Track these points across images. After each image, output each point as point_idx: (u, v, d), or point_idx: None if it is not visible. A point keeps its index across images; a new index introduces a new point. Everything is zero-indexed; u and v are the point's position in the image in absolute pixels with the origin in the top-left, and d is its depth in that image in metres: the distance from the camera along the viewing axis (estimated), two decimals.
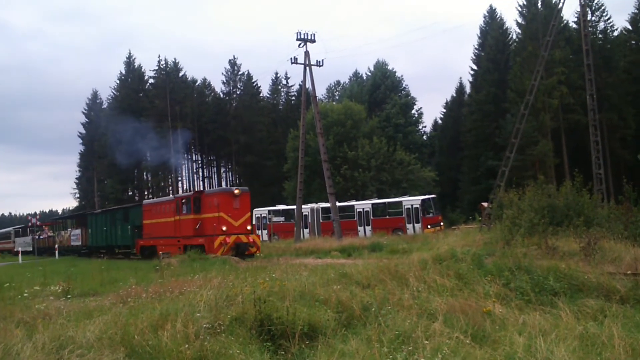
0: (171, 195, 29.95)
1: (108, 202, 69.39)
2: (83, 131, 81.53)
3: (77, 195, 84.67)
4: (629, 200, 20.13)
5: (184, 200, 27.59)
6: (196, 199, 26.72)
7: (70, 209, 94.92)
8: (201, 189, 75.35)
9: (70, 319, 8.87)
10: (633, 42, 53.93)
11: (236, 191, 25.56)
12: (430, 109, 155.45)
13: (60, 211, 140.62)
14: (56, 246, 45.55)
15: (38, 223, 52.78)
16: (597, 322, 7.86)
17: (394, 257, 16.25)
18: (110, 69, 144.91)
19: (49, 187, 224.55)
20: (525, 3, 53.75)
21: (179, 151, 70.39)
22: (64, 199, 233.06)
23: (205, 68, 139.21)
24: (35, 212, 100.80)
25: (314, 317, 8.07)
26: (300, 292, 9.46)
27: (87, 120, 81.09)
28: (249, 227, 25.84)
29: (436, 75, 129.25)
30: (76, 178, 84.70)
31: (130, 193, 75.50)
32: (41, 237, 53.93)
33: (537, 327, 7.41)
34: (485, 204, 33.85)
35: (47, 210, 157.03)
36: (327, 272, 11.76)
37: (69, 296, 12.63)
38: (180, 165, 73.78)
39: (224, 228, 24.62)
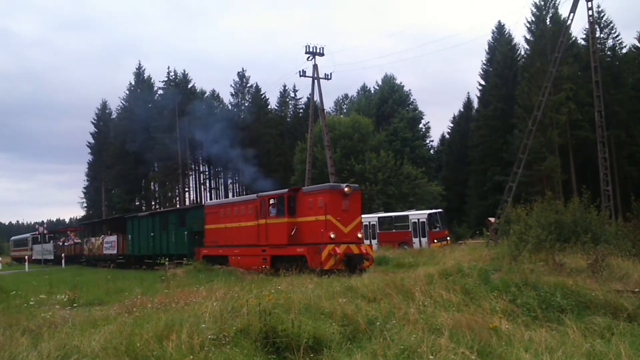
0: (254, 195, 24.06)
1: (115, 212, 69.58)
2: (92, 141, 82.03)
3: (85, 204, 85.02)
4: (637, 217, 20.04)
5: (273, 200, 22.07)
6: (291, 197, 21.28)
7: (78, 218, 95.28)
8: (209, 200, 75.63)
9: (76, 328, 8.90)
10: None
11: (346, 189, 20.10)
12: (438, 123, 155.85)
13: (67, 220, 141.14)
14: (83, 254, 41.80)
15: (45, 232, 50.56)
16: (604, 339, 7.81)
17: (400, 271, 16.21)
18: (118, 79, 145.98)
19: (55, 195, 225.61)
20: (533, 19, 53.82)
21: (186, 161, 70.71)
22: (71, 208, 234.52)
23: (213, 79, 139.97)
24: (42, 221, 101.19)
25: (319, 330, 8.05)
26: (306, 304, 9.44)
27: (95, 130, 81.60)
28: (359, 235, 20.52)
29: (444, 90, 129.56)
30: (84, 187, 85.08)
31: (137, 203, 75.75)
32: (65, 244, 49.09)
33: (543, 344, 7.37)
34: (492, 219, 33.72)
35: (54, 219, 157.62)
36: (333, 285, 11.73)
37: (74, 305, 12.66)
38: (187, 176, 74.03)
39: (332, 235, 19.35)
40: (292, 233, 20.72)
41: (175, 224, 29.97)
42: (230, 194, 79.34)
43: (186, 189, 74.88)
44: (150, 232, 32.47)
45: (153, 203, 76.12)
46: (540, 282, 10.98)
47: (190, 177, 76.95)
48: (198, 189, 79.63)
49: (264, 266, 20.93)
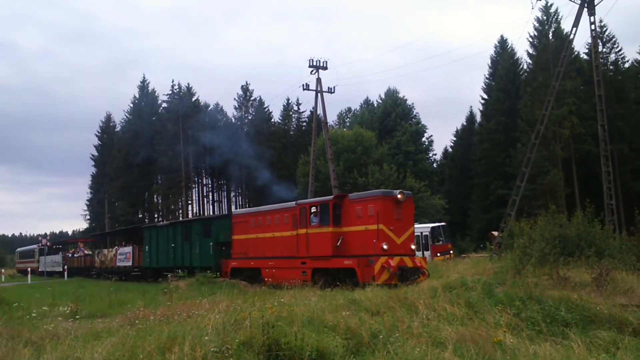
0: (292, 202, 22.34)
1: (118, 224, 69.67)
2: (95, 153, 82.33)
3: (88, 217, 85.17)
4: None
5: (315, 208, 20.31)
6: (336, 205, 19.53)
7: (81, 230, 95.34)
8: (211, 213, 75.65)
9: (78, 340, 8.87)
10: None
11: (399, 196, 18.47)
12: (441, 137, 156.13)
13: (70, 232, 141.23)
14: (95, 266, 40.07)
15: (49, 244, 48.52)
16: (609, 354, 7.77)
17: (403, 285, 16.16)
18: (122, 92, 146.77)
19: (59, 208, 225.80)
20: (536, 34, 54.07)
21: (190, 174, 70.87)
22: (74, 221, 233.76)
23: (217, 91, 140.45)
24: (45, 233, 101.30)
25: (322, 343, 8.01)
26: (309, 317, 9.41)
27: (99, 142, 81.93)
28: (413, 247, 18.98)
29: (446, 104, 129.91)
30: (87, 200, 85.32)
31: (140, 215, 75.84)
32: (75, 255, 47.06)
33: (548, 358, 7.33)
34: (495, 233, 33.63)
35: (57, 232, 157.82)
36: (336, 298, 11.71)
37: (77, 317, 12.65)
38: (190, 189, 74.12)
39: (385, 247, 17.63)
40: (338, 244, 19.01)
41: (199, 234, 28.15)
42: (233, 207, 79.35)
43: (189, 202, 74.96)
44: (170, 242, 30.65)
45: (156, 216, 76.19)
46: (545, 296, 10.94)
47: (194, 190, 77.06)
48: (201, 202, 79.75)
49: (304, 280, 19.16)
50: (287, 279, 19.25)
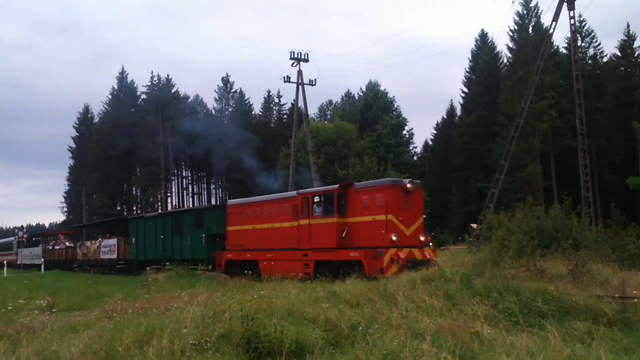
0: (293, 192, 21.94)
1: (96, 217, 68.95)
2: (73, 145, 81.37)
3: (65, 209, 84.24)
4: (617, 223, 20.34)
5: (318, 198, 19.37)
6: (341, 195, 18.62)
7: (58, 223, 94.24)
8: (191, 205, 75.16)
9: (55, 334, 8.78)
10: (622, 68, 54.60)
11: (409, 185, 17.73)
12: (421, 130, 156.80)
13: (47, 225, 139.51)
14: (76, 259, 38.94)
15: (26, 236, 46.67)
16: (584, 344, 7.87)
17: (382, 277, 16.22)
18: (100, 83, 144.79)
19: (36, 200, 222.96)
20: (516, 28, 54.39)
21: (169, 166, 70.40)
22: (51, 213, 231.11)
23: (197, 84, 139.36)
24: (22, 226, 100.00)
25: (302, 335, 8.02)
26: (289, 309, 9.40)
27: (77, 134, 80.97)
28: (422, 238, 17.96)
29: (427, 97, 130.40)
30: (65, 192, 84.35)
31: (118, 208, 75.15)
32: (56, 247, 45.57)
33: (524, 349, 7.40)
34: (474, 225, 33.91)
35: (34, 224, 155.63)
36: (316, 290, 11.71)
37: (54, 310, 12.51)
38: (170, 181, 73.60)
39: (394, 238, 16.78)
40: (343, 235, 18.09)
41: (191, 225, 26.95)
42: (213, 200, 78.97)
43: (168, 194, 74.43)
44: (159, 234, 29.44)
45: (135, 208, 75.58)
46: (522, 287, 11.06)
47: (173, 182, 76.51)
48: (180, 194, 79.22)
49: (305, 273, 18.42)
50: (287, 272, 18.43)
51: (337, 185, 19.21)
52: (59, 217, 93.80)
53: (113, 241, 35.14)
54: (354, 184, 19.15)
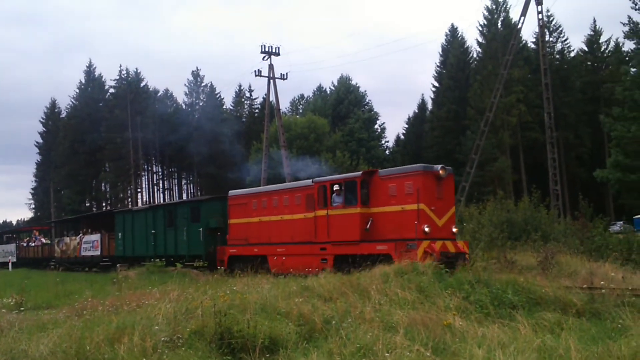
0: (307, 180, 20.04)
1: (65, 213, 67.84)
2: (40, 140, 79.90)
3: (33, 205, 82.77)
4: (585, 216, 20.76)
5: (337, 186, 17.63)
6: (364, 182, 16.98)
7: (26, 220, 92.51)
8: (162, 201, 74.41)
9: (23, 332, 8.62)
10: (589, 63, 55.70)
11: (441, 171, 16.18)
12: (393, 124, 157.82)
13: (14, 222, 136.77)
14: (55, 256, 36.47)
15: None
16: (554, 335, 8.00)
17: (355, 271, 16.27)
18: (67, 77, 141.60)
19: (2, 197, 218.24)
20: (485, 23, 55.02)
21: (139, 162, 69.58)
22: (18, 210, 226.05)
23: (165, 77, 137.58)
24: None
25: (275, 330, 8.00)
26: (262, 305, 9.36)
27: (44, 129, 79.51)
28: (454, 229, 16.58)
29: (399, 91, 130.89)
30: (32, 188, 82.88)
31: (87, 204, 74.05)
32: (31, 244, 42.90)
33: (496, 340, 7.50)
34: None
35: (1, 221, 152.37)
36: (289, 285, 11.69)
37: (22, 309, 12.25)
38: (140, 177, 72.76)
39: (427, 229, 15.36)
40: (368, 227, 16.56)
41: (187, 218, 24.92)
42: (184, 195, 78.32)
43: (139, 190, 73.57)
44: (150, 229, 27.33)
45: (104, 204, 74.57)
46: (492, 279, 11.19)
47: (143, 178, 75.69)
48: (151, 190, 78.38)
49: (323, 268, 16.31)
50: (301, 267, 17.22)
51: (360, 172, 17.76)
52: (27, 214, 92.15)
53: (96, 237, 33.00)
54: (378, 170, 17.51)
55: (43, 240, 42.67)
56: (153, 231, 26.99)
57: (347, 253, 16.68)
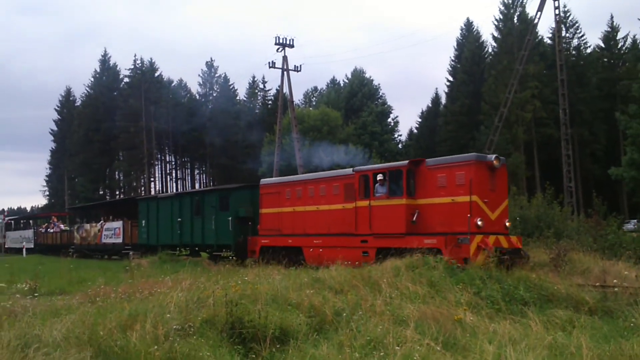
0: (348, 169, 18.83)
1: (78, 201, 68.45)
2: (55, 128, 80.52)
3: (47, 193, 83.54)
4: (598, 213, 20.59)
5: (381, 176, 16.68)
6: (411, 172, 16.15)
7: (40, 206, 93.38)
8: (174, 190, 74.80)
9: (37, 317, 8.69)
10: (605, 59, 55.09)
11: (495, 161, 15.24)
12: (406, 118, 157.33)
13: (28, 209, 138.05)
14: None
15: (6, 220, 45.91)
16: (565, 332, 7.96)
17: (366, 264, 16.27)
18: (81, 66, 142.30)
19: (16, 184, 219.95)
20: (501, 17, 54.58)
21: (152, 151, 69.92)
22: (33, 197, 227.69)
23: (179, 68, 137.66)
24: (3, 209, 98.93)
25: (286, 321, 8.03)
26: (273, 295, 9.39)
27: (59, 117, 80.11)
28: (507, 223, 15.68)
29: (412, 85, 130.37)
30: (46, 176, 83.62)
31: (101, 192, 74.62)
32: (49, 230, 42.17)
33: (507, 336, 7.48)
34: None
35: (15, 208, 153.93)
36: (300, 277, 11.72)
37: (36, 294, 12.38)
38: (153, 166, 73.14)
39: (480, 223, 14.40)
40: (414, 219, 15.69)
41: (215, 207, 24.01)
42: (197, 185, 78.65)
43: (152, 179, 74.00)
44: (176, 217, 26.46)
45: (117, 192, 75.09)
46: (504, 275, 11.15)
47: (156, 167, 76.06)
48: (164, 179, 78.82)
49: (364, 262, 15.63)
50: (340, 260, 15.38)
51: (406, 161, 16.74)
52: (41, 201, 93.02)
53: (118, 224, 32.24)
54: (425, 160, 16.58)
55: (62, 226, 42.05)
56: (179, 219, 26.18)
57: (391, 246, 15.60)
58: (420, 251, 13.82)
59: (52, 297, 12.51)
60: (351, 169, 18.33)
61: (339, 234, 17.82)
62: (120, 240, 31.45)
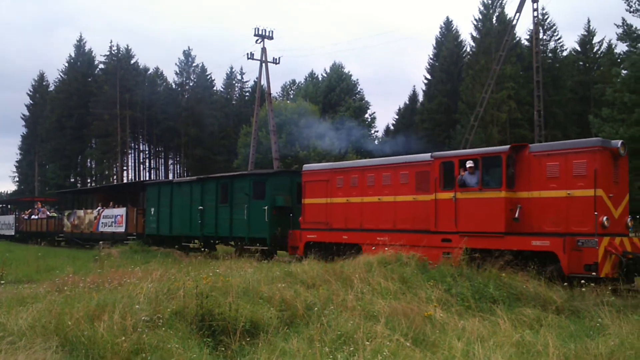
0: (425, 154, 16.09)
1: (49, 188, 67.31)
2: (26, 113, 79.01)
3: (17, 178, 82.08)
4: None
5: (470, 163, 14.01)
6: (511, 159, 13.55)
7: (9, 192, 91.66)
8: (148, 178, 74.05)
9: (2, 306, 8.56)
10: (581, 63, 55.88)
11: (621, 148, 12.88)
12: (383, 114, 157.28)
13: None
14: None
15: None
16: (533, 330, 8.08)
17: (339, 259, 16.30)
18: (55, 51, 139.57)
19: None
20: (480, 17, 54.98)
21: (126, 139, 69.04)
22: (2, 183, 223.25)
23: (156, 56, 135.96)
24: None
25: (257, 315, 8.01)
26: (244, 288, 9.36)
27: (31, 102, 78.63)
28: (630, 222, 13.30)
29: (390, 81, 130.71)
30: (16, 161, 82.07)
31: (72, 180, 73.47)
32: (33, 217, 38.75)
33: (475, 333, 7.57)
34: None
35: None
36: (272, 270, 11.70)
37: (1, 282, 12.17)
38: (126, 154, 72.23)
39: (606, 222, 12.15)
40: (516, 215, 13.15)
41: (248, 194, 21.15)
42: (171, 175, 77.93)
43: (124, 168, 73.08)
44: (195, 204, 23.56)
45: (89, 180, 74.03)
46: (474, 273, 11.26)
47: (129, 156, 75.11)
48: (137, 168, 77.90)
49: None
50: (433, 262, 13.26)
51: (507, 146, 13.87)
52: (10, 187, 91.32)
53: (120, 211, 29.11)
54: (528, 145, 13.92)
55: (48, 213, 38.81)
56: (200, 207, 23.30)
57: (486, 247, 13.39)
58: (524, 255, 12.49)
59: (18, 286, 12.30)
60: (428, 154, 15.89)
61: (408, 231, 15.42)
62: (122, 229, 28.51)
